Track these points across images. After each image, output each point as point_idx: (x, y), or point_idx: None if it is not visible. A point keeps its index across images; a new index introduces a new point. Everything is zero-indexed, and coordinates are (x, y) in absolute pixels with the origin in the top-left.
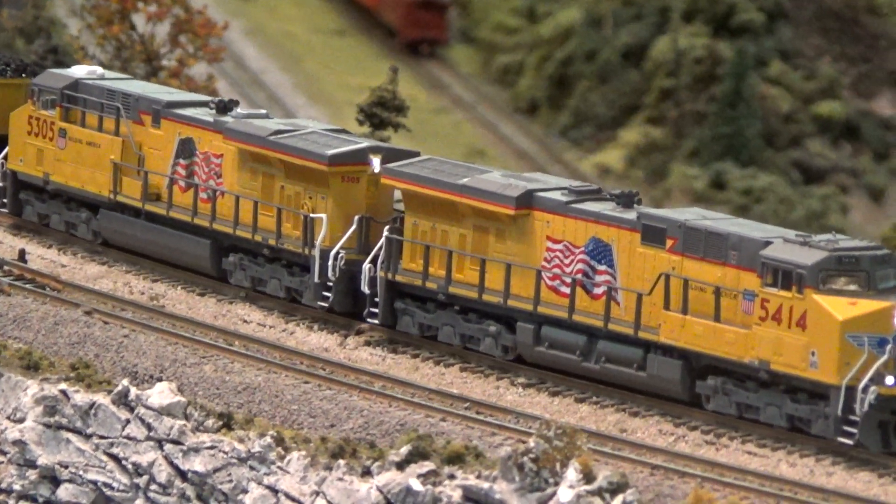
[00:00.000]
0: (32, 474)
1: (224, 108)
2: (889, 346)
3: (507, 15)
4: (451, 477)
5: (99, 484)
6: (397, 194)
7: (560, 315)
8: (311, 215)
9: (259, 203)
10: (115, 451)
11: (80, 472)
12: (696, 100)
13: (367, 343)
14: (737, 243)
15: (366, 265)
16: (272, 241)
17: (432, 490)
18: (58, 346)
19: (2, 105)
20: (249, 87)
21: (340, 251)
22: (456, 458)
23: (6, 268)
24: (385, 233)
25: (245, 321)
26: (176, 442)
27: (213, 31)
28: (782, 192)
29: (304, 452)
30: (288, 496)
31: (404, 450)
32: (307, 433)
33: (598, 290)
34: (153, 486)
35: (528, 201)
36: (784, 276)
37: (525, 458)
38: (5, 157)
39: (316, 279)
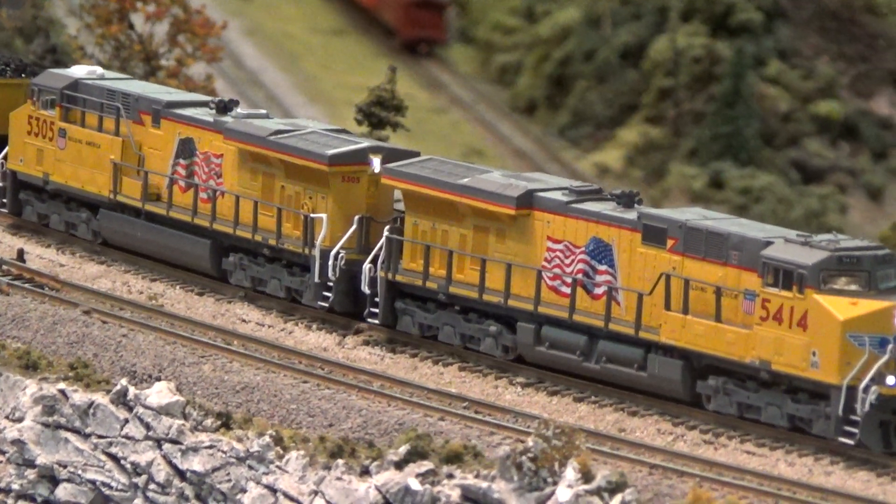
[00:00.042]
0: (31, 474)
1: (224, 108)
2: (890, 346)
3: (505, 14)
4: (450, 476)
5: (97, 483)
6: (397, 194)
7: (561, 315)
8: (312, 215)
9: (259, 203)
10: (113, 450)
11: (79, 472)
12: (695, 99)
13: (366, 342)
14: (738, 243)
15: (366, 265)
16: (272, 241)
17: (431, 489)
18: (56, 346)
19: (1, 105)
20: (248, 87)
21: (341, 251)
22: (454, 458)
23: (5, 267)
24: (385, 233)
25: (244, 321)
26: (174, 441)
27: (211, 31)
28: (781, 192)
29: (302, 452)
30: (286, 495)
31: (403, 449)
32: (306, 432)
33: (599, 290)
34: (152, 486)
35: (528, 201)
36: (785, 276)
37: (524, 458)
38: (5, 157)
39: (316, 279)
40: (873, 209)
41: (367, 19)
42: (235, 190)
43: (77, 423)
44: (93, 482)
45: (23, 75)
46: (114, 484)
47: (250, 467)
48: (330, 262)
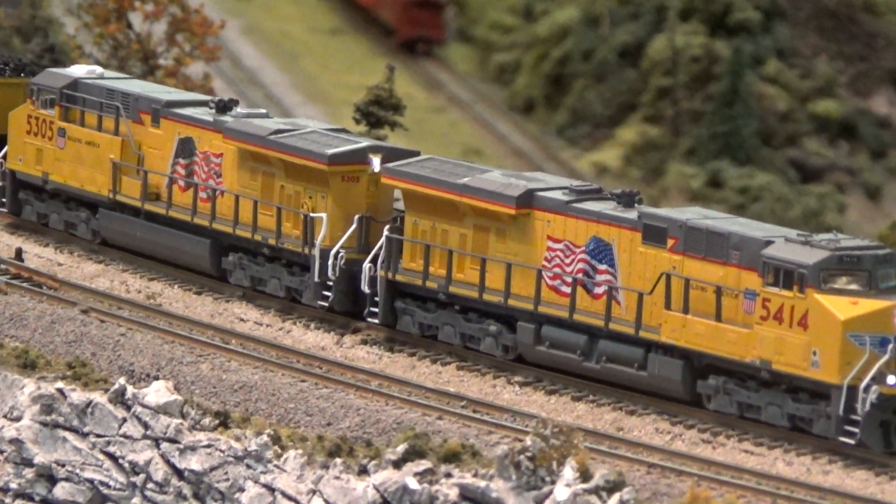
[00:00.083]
0: (29, 473)
1: (224, 107)
2: (890, 346)
3: (503, 14)
4: (448, 475)
5: (95, 482)
6: (396, 193)
7: (561, 315)
8: (311, 215)
9: (259, 202)
10: (111, 449)
11: (77, 471)
12: (693, 98)
13: (364, 342)
14: (738, 243)
15: (366, 265)
16: (272, 241)
17: (429, 489)
18: (54, 345)
19: (1, 104)
20: (246, 86)
21: (340, 250)
22: (452, 457)
23: (3, 266)
24: (385, 232)
25: (242, 320)
26: (172, 440)
27: (209, 30)
28: (779, 191)
29: (300, 451)
30: (285, 495)
31: (401, 448)
32: (304, 431)
33: (599, 290)
34: (150, 485)
35: (528, 201)
36: (785, 276)
37: (522, 457)
38: (4, 157)
39: (316, 278)
40: (872, 208)
41: (366, 19)
42: (235, 189)
43: (75, 422)
44: (91, 481)
45: (22, 74)
46: (112, 483)
47: (248, 466)
48: (330, 262)
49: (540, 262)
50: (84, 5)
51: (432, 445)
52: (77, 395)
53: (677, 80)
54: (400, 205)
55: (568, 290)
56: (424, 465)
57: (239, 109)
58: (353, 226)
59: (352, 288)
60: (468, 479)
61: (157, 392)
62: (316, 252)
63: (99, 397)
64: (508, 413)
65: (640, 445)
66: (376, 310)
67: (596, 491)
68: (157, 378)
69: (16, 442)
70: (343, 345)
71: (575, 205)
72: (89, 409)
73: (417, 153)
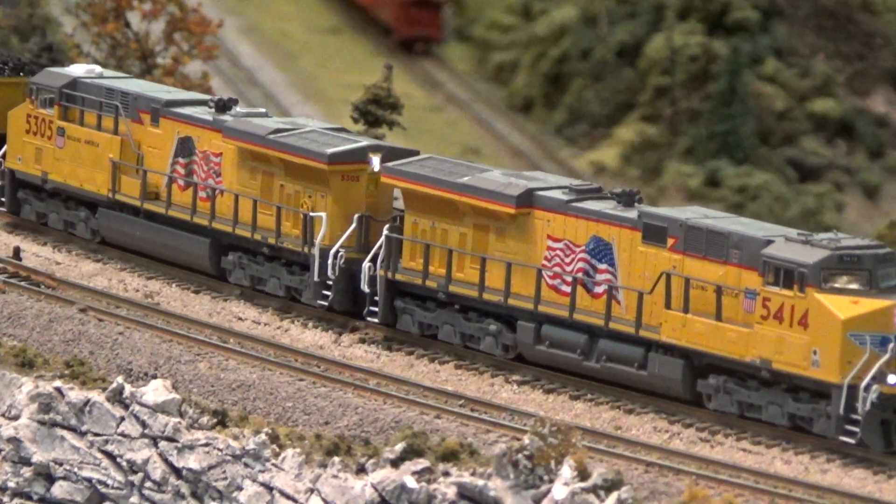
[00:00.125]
0: (27, 472)
1: (223, 106)
2: (891, 345)
3: (501, 13)
4: (446, 474)
5: (93, 481)
6: (396, 193)
7: (561, 314)
8: (311, 214)
9: (258, 202)
10: (109, 448)
11: (75, 470)
12: (691, 98)
13: (362, 340)
14: (738, 242)
15: (365, 264)
16: (272, 240)
17: (427, 487)
18: (52, 344)
19: (0, 103)
20: (245, 86)
21: (340, 250)
22: (450, 456)
23: (1, 265)
24: (385, 231)
25: (240, 319)
26: (170, 439)
27: (207, 29)
28: (777, 190)
29: (298, 450)
30: (283, 493)
31: (399, 447)
32: (302, 430)
33: (599, 289)
34: (148, 484)
35: (528, 200)
36: (786, 275)
37: (520, 456)
38: (3, 156)
39: (315, 278)
40: (870, 207)
41: (364, 18)
42: (235, 189)
43: (73, 421)
44: (89, 480)
45: (21, 74)
46: (110, 482)
47: (246, 465)
48: (329, 261)
49: (540, 261)
50: (82, 4)
51: (430, 444)
52: (75, 394)
53: (675, 79)
54: (399, 204)
55: (568, 289)
56: (422, 463)
57: (238, 109)
58: (353, 225)
59: (351, 287)
60: (466, 477)
61: (155, 391)
62: (315, 251)
63: (97, 396)
64: (506, 412)
65: (638, 444)
66: (376, 309)
67: (594, 490)
68: (155, 377)
69: (14, 441)
70: (341, 344)
71: (575, 204)
72: (87, 408)
73: (417, 152)
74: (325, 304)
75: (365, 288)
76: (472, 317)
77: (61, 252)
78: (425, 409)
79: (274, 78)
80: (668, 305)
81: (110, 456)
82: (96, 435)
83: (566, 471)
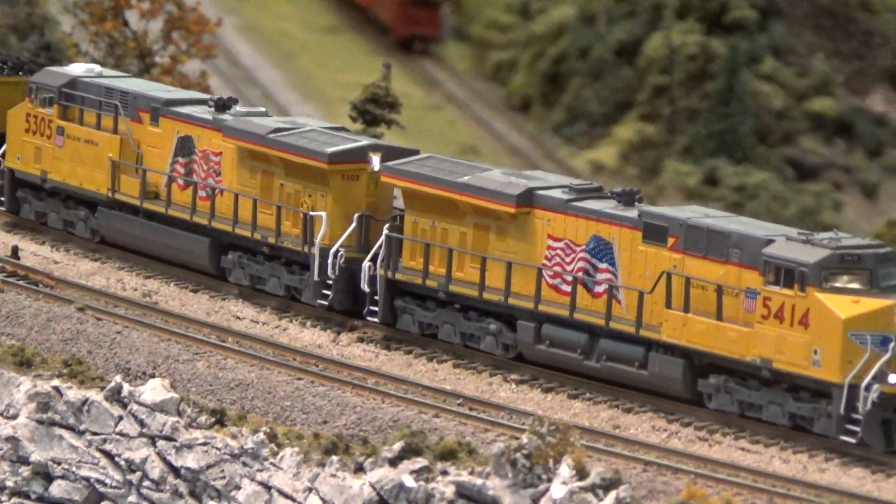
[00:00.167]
0: (25, 471)
1: (223, 106)
2: (892, 345)
3: (500, 12)
4: (444, 473)
5: (92, 480)
6: (395, 192)
7: (561, 313)
8: (311, 213)
9: (258, 201)
10: (107, 447)
11: (73, 469)
12: (690, 97)
13: (361, 340)
14: (739, 241)
15: (365, 263)
16: (271, 240)
17: (425, 486)
18: (51, 343)
19: None
20: (243, 85)
21: (340, 249)
22: (449, 455)
23: None
24: (385, 231)
25: (238, 318)
26: (169, 438)
27: (206, 28)
28: (775, 189)
29: (296, 449)
30: (281, 492)
31: (397, 446)
32: (300, 429)
33: (600, 289)
34: (146, 483)
35: (528, 199)
36: (786, 274)
37: (518, 455)
38: (3, 155)
39: (315, 277)
40: (868, 206)
41: (362, 17)
42: (234, 188)
43: (71, 420)
44: (87, 479)
45: (20, 73)
46: (108, 481)
47: (244, 464)
48: (329, 261)
49: (540, 260)
50: (80, 3)
51: (429, 443)
52: (73, 393)
53: (674, 78)
54: (399, 203)
55: (568, 288)
56: (421, 462)
57: (238, 108)
58: (353, 224)
59: (351, 287)
60: (464, 476)
61: (154, 390)
62: (315, 251)
63: (95, 395)
64: (505, 411)
65: (636, 443)
66: (376, 308)
67: (592, 489)
68: (153, 376)
69: (12, 440)
70: (339, 343)
71: (575, 203)
72: (85, 407)
73: (417, 152)
74: (325, 303)
75: (365, 287)
76: (473, 316)
77: (59, 251)
78: (424, 408)
79: (272, 77)
80: (668, 305)
81: (108, 455)
82: (94, 434)
83: (564, 470)
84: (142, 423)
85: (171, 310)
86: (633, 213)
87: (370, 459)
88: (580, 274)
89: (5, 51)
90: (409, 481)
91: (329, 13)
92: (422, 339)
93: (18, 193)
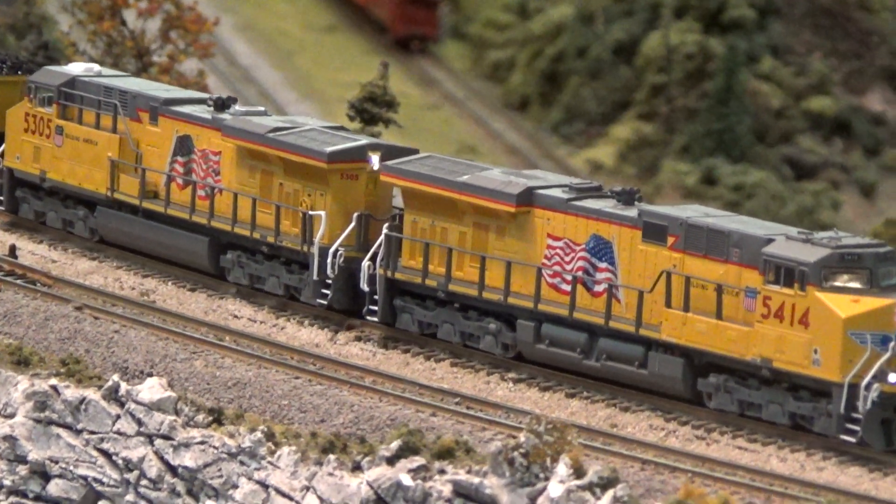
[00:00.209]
0: (23, 470)
1: (222, 105)
2: (892, 344)
3: (498, 11)
4: (442, 472)
5: (89, 479)
6: (394, 191)
7: (561, 313)
8: (310, 212)
9: (257, 200)
10: (105, 446)
11: (71, 468)
12: (688, 96)
13: (358, 338)
14: (738, 241)
15: (365, 262)
16: (271, 239)
17: (423, 485)
18: (48, 342)
19: None
20: (241, 84)
21: (339, 248)
22: (446, 453)
23: None
24: (384, 230)
25: (236, 317)
26: (166, 437)
27: (203, 27)
28: (773, 188)
29: (294, 447)
30: (278, 491)
31: (395, 445)
32: (297, 428)
33: (599, 288)
34: (143, 482)
35: (528, 199)
36: (786, 274)
37: (515, 453)
38: (2, 155)
39: (315, 276)
40: (866, 205)
41: (360, 16)
42: (234, 187)
43: (69, 419)
44: (84, 478)
45: (19, 72)
46: (105, 480)
47: (242, 463)
48: (329, 260)
49: (540, 260)
50: (78, 2)
51: (426, 442)
52: (71, 392)
53: (671, 77)
54: (399, 202)
55: (568, 288)
56: (418, 461)
57: (237, 107)
58: (352, 224)
59: (351, 286)
60: (462, 475)
61: (151, 389)
62: (315, 250)
63: (92, 394)
64: (502, 410)
65: (634, 442)
66: (375, 308)
67: (590, 487)
68: (150, 375)
69: (9, 439)
70: (337, 342)
71: (575, 203)
72: (83, 406)
73: (416, 151)
74: (325, 302)
75: (364, 287)
76: (472, 315)
77: (57, 250)
78: (421, 406)
79: (270, 76)
80: (668, 304)
81: (106, 454)
82: (92, 433)
83: (562, 468)
84: (139, 422)
85: (168, 309)
86: (632, 212)
87: (367, 458)
88: (580, 273)
89: (4, 50)
90: (407, 480)
91: (327, 12)
92: (420, 338)
93: (17, 193)
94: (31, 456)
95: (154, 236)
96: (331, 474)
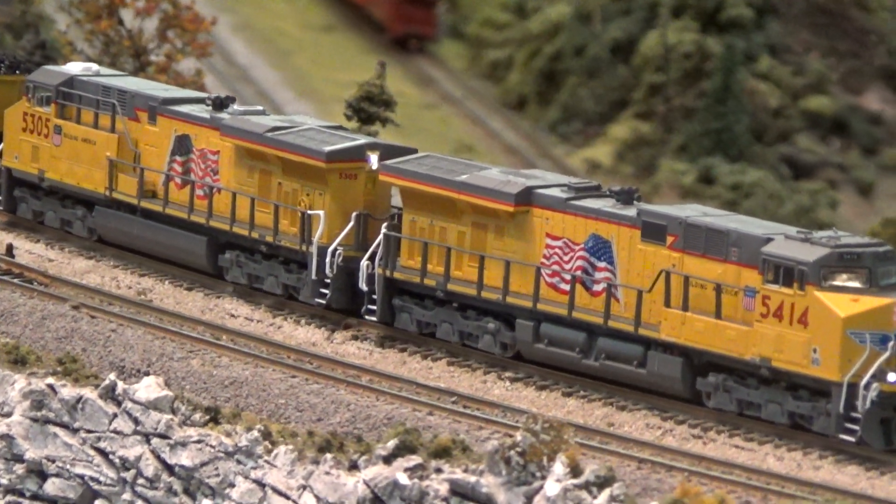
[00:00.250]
0: (19, 468)
1: (220, 104)
2: (891, 343)
3: (495, 10)
4: (438, 471)
5: (86, 478)
6: (393, 190)
7: (560, 312)
8: (309, 212)
9: (256, 200)
10: (102, 445)
11: (68, 467)
12: (685, 95)
13: (355, 337)
14: (737, 240)
15: (363, 262)
16: (269, 238)
17: (419, 484)
18: (45, 341)
19: None
20: (238, 83)
21: (338, 248)
22: (443, 452)
23: None
24: (383, 230)
25: (233, 315)
26: (163, 436)
27: (201, 27)
28: (771, 188)
29: (291, 446)
30: (275, 490)
31: (391, 444)
32: (294, 427)
33: (598, 287)
34: (140, 481)
35: (527, 198)
36: (786, 273)
37: (512, 452)
38: (0, 154)
39: (313, 276)
40: (863, 205)
41: (358, 16)
42: (232, 187)
43: (65, 418)
44: (81, 477)
45: (17, 72)
46: (102, 479)
47: (239, 462)
48: (327, 259)
49: (539, 259)
50: (75, 2)
51: (423, 441)
52: (67, 391)
53: (669, 76)
54: (397, 202)
55: (567, 287)
56: (415, 460)
57: (236, 107)
58: (351, 223)
59: (349, 285)
60: (459, 474)
61: (148, 388)
62: (313, 249)
63: (89, 393)
64: (499, 408)
65: (630, 441)
66: (374, 307)
67: (586, 486)
68: (147, 374)
69: (6, 438)
70: (334, 340)
71: (574, 202)
72: (80, 405)
73: (415, 150)
74: (323, 302)
75: (363, 286)
76: (471, 315)
77: (54, 249)
78: (418, 405)
79: (267, 75)
80: (667, 303)
81: (103, 453)
82: (89, 432)
83: (558, 467)
84: (136, 421)
85: (165, 308)
86: (631, 211)
87: (364, 457)
88: (579, 273)
89: (2, 49)
90: (404, 479)
91: (324, 12)
92: (417, 337)
93: (16, 192)
94: (28, 455)
95: (152, 236)
96: (327, 473)
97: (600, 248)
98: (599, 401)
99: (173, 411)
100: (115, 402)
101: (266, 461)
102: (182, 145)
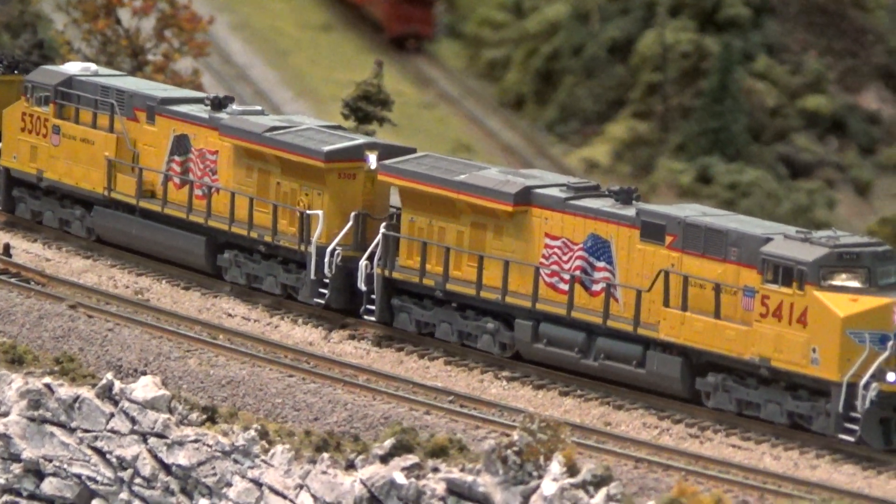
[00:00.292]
0: (17, 468)
1: (219, 104)
2: (890, 343)
3: (493, 10)
4: (435, 470)
5: (83, 477)
6: (392, 190)
7: (559, 312)
8: (308, 212)
9: (255, 199)
10: (99, 444)
11: (65, 466)
12: (683, 94)
13: (352, 337)
14: (737, 240)
15: (362, 262)
16: (268, 238)
17: (416, 483)
18: (42, 340)
19: None
20: (236, 82)
21: (337, 248)
22: (440, 452)
23: None
24: (382, 229)
25: (230, 315)
26: (160, 435)
27: (198, 26)
28: (768, 187)
29: (288, 446)
30: (272, 489)
31: (388, 443)
32: (291, 426)
33: (597, 287)
34: (137, 480)
35: (526, 198)
36: (785, 273)
37: (509, 452)
38: None
39: (312, 276)
40: (861, 204)
41: (355, 15)
42: (231, 187)
43: (63, 418)
44: (78, 476)
45: (16, 71)
46: (99, 478)
47: (235, 461)
48: (326, 259)
49: (537, 259)
50: (73, 1)
51: (419, 440)
52: (64, 391)
53: (667, 75)
54: (396, 201)
55: (566, 287)
56: (412, 459)
57: (234, 106)
58: (350, 223)
59: (348, 285)
60: (455, 473)
61: (145, 387)
62: (312, 249)
63: (86, 392)
64: (496, 408)
65: (627, 440)
66: (373, 307)
67: (583, 485)
68: (144, 373)
69: (3, 437)
70: (331, 340)
71: (573, 202)
72: (77, 405)
73: (414, 150)
74: (322, 302)
75: (362, 286)
76: (470, 315)
77: (51, 249)
78: (415, 405)
79: (265, 75)
80: (666, 303)
81: (100, 452)
82: (86, 431)
83: (555, 466)
84: (133, 421)
85: (162, 307)
86: (630, 211)
87: (361, 456)
88: (578, 272)
89: (1, 49)
90: (400, 478)
91: (322, 11)
92: (414, 336)
93: (14, 192)
94: (25, 454)
95: (151, 236)
96: (324, 472)
97: (599, 248)
98: (596, 400)
99: (170, 411)
100: (112, 401)
101: (263, 460)
102: (181, 145)
